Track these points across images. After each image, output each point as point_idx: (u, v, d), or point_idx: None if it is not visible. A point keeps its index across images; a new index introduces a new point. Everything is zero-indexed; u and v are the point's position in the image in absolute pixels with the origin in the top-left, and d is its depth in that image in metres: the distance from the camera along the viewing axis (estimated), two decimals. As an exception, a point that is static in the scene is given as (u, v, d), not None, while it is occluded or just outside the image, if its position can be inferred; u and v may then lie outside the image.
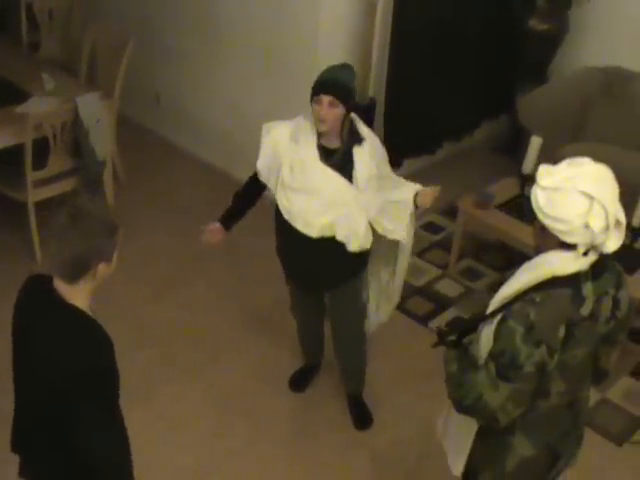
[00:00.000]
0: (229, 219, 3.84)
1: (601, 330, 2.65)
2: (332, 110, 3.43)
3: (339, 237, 3.59)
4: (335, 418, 4.30)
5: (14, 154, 4.87)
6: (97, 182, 5.32)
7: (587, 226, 2.43)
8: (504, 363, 2.49)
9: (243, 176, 6.07)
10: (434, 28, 5.71)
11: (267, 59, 5.58)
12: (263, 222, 5.51)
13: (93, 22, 6.16)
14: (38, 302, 2.53)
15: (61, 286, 2.46)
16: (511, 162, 5.95)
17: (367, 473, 4.04)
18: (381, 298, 4.09)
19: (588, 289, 2.54)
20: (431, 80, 5.93)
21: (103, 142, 5.21)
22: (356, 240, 3.62)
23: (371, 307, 4.10)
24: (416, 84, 5.78)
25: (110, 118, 5.42)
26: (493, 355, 2.52)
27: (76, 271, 2.42)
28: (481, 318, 2.66)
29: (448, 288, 5.25)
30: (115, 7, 6.55)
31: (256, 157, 5.93)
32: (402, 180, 3.78)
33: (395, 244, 3.83)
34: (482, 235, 5.60)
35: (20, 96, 5.22)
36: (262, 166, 3.71)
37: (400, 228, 3.71)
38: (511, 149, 6.37)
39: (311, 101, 3.47)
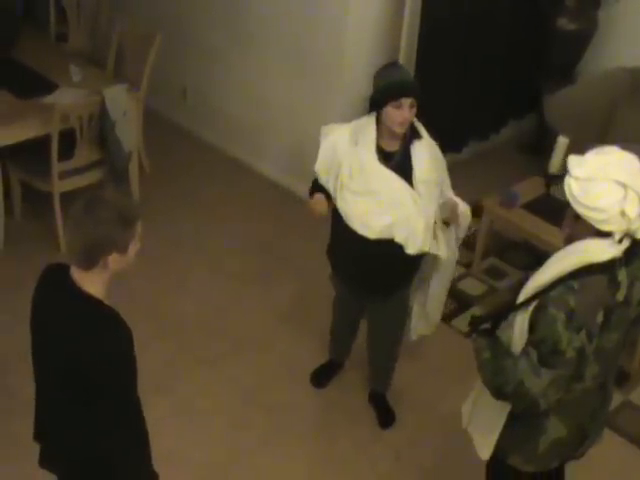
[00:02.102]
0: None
1: (632, 314, 2.70)
2: (412, 112, 3.42)
3: (398, 239, 3.55)
4: (355, 414, 4.30)
5: (41, 145, 4.90)
6: (123, 174, 5.34)
7: (623, 214, 2.47)
8: (546, 350, 2.52)
9: (268, 172, 6.12)
10: (462, 27, 5.70)
11: (295, 56, 5.58)
12: (287, 220, 5.55)
13: (121, 14, 6.19)
14: (54, 289, 2.55)
15: (76, 273, 2.47)
16: (537, 161, 5.91)
17: (386, 469, 4.03)
18: (421, 314, 4.08)
19: (622, 275, 2.58)
20: (458, 78, 5.92)
21: (129, 135, 5.23)
22: (415, 242, 3.57)
23: (414, 316, 4.09)
24: (443, 82, 5.75)
25: (137, 111, 5.44)
26: (534, 342, 2.56)
27: (87, 258, 2.42)
28: (514, 306, 2.68)
29: (472, 287, 5.24)
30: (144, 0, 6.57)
31: (281, 153, 5.94)
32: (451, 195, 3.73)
33: (435, 260, 3.80)
34: (507, 234, 5.58)
35: (48, 87, 5.24)
36: (320, 168, 3.67)
37: (442, 243, 3.67)
38: (537, 148, 6.35)
39: (384, 105, 3.41)
